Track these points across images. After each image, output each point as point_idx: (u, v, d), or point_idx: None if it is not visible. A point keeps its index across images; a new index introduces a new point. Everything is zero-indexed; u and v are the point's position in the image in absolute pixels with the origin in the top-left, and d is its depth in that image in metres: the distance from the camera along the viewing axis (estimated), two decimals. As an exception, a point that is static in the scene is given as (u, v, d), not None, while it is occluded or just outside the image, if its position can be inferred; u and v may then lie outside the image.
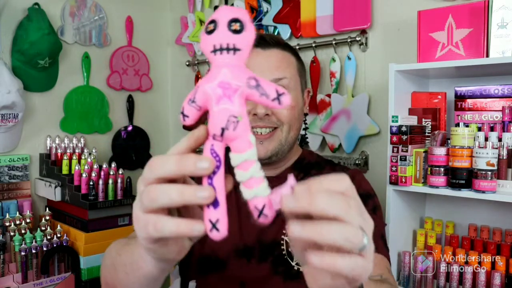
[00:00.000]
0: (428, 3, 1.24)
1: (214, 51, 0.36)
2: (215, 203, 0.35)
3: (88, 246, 1.36)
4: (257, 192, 0.35)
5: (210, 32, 0.36)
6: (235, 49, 0.35)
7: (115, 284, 0.58)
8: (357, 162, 1.41)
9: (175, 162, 0.35)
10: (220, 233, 0.35)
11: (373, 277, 0.69)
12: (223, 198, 0.35)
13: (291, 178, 0.35)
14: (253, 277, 0.81)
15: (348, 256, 0.32)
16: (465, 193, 1.00)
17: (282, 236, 0.82)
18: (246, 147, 0.35)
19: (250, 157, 0.35)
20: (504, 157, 0.99)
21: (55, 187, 1.45)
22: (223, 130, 0.35)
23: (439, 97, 1.19)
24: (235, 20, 0.35)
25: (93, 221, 1.38)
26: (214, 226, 0.35)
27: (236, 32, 0.35)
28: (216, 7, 1.82)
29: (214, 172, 0.35)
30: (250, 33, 0.36)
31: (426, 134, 1.17)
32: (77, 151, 1.58)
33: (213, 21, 0.36)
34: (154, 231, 0.35)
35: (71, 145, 1.59)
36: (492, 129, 1.07)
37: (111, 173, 1.45)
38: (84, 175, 1.39)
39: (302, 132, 1.28)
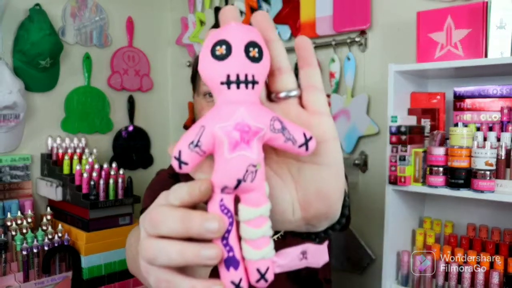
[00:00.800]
0: (427, 4, 1.24)
1: (228, 83, 0.28)
2: (235, 264, 0.30)
3: (89, 246, 1.37)
4: (264, 255, 0.30)
5: (221, 57, 0.28)
6: (254, 82, 0.29)
7: (141, 279, 0.60)
8: (356, 162, 1.42)
9: (179, 221, 0.30)
10: None
11: None
12: (240, 254, 0.30)
13: (308, 246, 0.31)
14: None
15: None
16: (464, 193, 1.01)
17: None
18: (261, 200, 0.30)
19: (264, 213, 0.30)
20: (503, 157, 1.00)
21: (56, 186, 1.45)
22: (239, 182, 0.29)
23: (438, 97, 1.19)
24: (253, 45, 0.29)
25: (94, 220, 1.39)
26: (238, 287, 0.30)
27: (254, 60, 0.28)
28: (216, 8, 1.82)
29: (228, 231, 0.30)
30: (267, 61, 0.29)
31: (425, 134, 1.18)
32: (78, 151, 1.59)
33: (224, 42, 0.28)
34: None
35: (72, 145, 1.60)
36: (490, 129, 1.07)
37: (112, 173, 1.46)
38: (85, 175, 1.40)
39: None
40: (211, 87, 0.29)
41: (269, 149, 0.32)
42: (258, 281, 0.30)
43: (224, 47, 0.28)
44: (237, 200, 0.31)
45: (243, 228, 0.30)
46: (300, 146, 0.29)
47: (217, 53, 0.28)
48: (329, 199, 0.33)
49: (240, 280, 0.30)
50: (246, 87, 0.28)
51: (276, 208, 0.32)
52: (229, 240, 0.30)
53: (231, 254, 0.30)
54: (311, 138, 0.30)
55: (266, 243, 0.30)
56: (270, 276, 0.30)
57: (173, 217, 0.30)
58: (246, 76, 0.28)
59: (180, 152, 0.29)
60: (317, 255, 0.31)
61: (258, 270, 0.30)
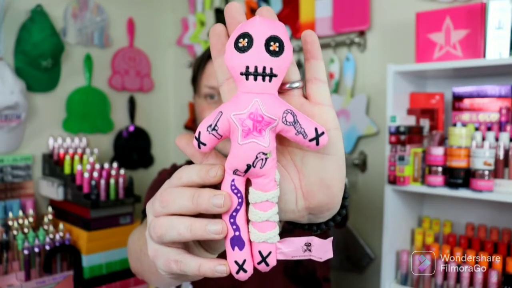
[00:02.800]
0: (426, 5, 1.25)
1: (247, 74, 0.30)
2: (240, 244, 0.32)
3: (90, 245, 1.38)
4: (268, 238, 0.32)
5: (242, 49, 0.30)
6: (272, 75, 0.30)
7: (143, 277, 0.61)
8: (355, 162, 1.42)
9: (189, 197, 0.32)
10: (248, 273, 0.32)
11: None
12: (247, 236, 0.32)
13: (313, 238, 0.32)
14: None
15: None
16: (462, 193, 1.02)
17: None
18: (270, 186, 0.32)
19: (272, 199, 0.32)
20: (501, 157, 1.00)
21: (58, 186, 1.46)
22: (249, 167, 0.31)
23: (437, 97, 1.20)
24: (274, 39, 0.30)
25: (95, 220, 1.39)
26: (241, 267, 0.32)
27: (274, 54, 0.30)
28: (217, 10, 1.83)
29: (236, 210, 0.32)
30: (288, 54, 0.31)
31: (424, 134, 1.18)
32: (79, 151, 1.60)
33: (247, 35, 0.30)
34: (177, 269, 0.33)
35: (73, 145, 1.61)
36: (489, 129, 1.08)
37: (113, 172, 1.47)
38: (86, 174, 1.41)
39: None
40: (233, 76, 0.31)
41: None
42: (259, 263, 0.32)
43: (246, 40, 0.30)
44: (249, 184, 0.33)
45: (251, 209, 0.32)
46: (311, 140, 0.31)
47: (240, 45, 0.30)
48: (331, 189, 0.34)
49: (244, 261, 0.32)
50: (263, 79, 0.30)
51: (279, 197, 0.34)
52: (236, 220, 0.32)
53: (237, 233, 0.32)
54: (322, 133, 0.31)
55: (271, 227, 0.32)
56: (271, 261, 0.32)
57: (183, 195, 0.32)
58: (264, 68, 0.30)
59: (199, 133, 0.32)
60: (321, 249, 0.32)
61: (260, 253, 0.32)
